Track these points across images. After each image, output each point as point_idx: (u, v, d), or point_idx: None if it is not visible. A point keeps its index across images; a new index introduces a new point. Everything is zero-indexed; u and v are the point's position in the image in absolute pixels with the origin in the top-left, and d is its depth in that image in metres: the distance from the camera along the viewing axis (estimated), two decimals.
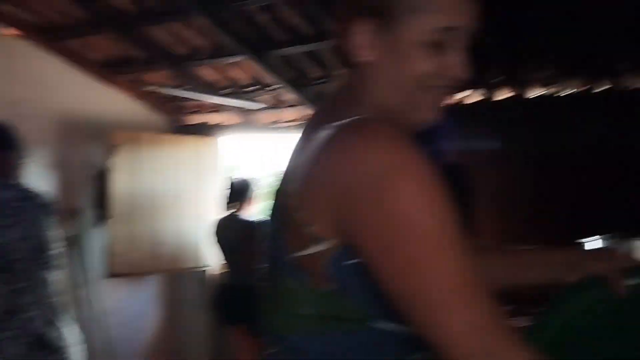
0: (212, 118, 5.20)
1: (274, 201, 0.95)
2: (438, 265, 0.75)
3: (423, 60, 0.87)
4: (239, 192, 3.97)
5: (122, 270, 4.38)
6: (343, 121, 0.83)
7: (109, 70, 4.51)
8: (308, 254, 0.83)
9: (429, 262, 0.75)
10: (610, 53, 3.17)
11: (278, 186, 0.94)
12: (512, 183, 3.94)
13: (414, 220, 0.75)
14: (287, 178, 0.90)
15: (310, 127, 0.92)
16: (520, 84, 3.76)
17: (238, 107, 4.71)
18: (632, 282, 1.00)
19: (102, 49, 4.29)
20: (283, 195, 0.89)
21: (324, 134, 0.83)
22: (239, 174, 4.22)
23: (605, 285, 1.01)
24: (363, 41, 0.90)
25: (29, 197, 2.06)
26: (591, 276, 1.03)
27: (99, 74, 4.54)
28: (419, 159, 0.78)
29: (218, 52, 3.97)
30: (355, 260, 0.81)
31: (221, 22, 3.44)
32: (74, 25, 3.97)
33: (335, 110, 0.90)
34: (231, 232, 3.85)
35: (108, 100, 4.65)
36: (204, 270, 4.89)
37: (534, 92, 3.99)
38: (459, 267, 0.76)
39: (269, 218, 0.96)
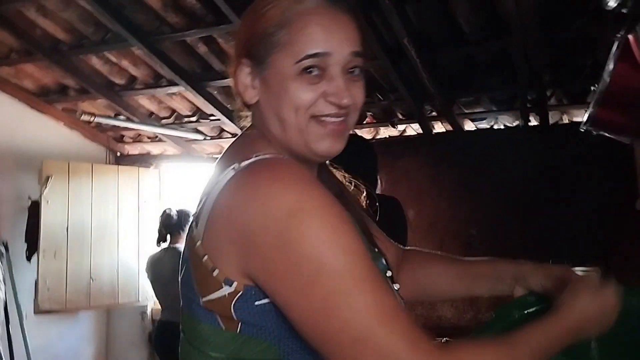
0: (151, 148, 5.11)
1: (186, 242, 0.93)
2: (352, 302, 0.75)
3: (302, 92, 0.88)
4: (172, 224, 3.85)
5: (53, 306, 4.20)
6: (243, 162, 0.84)
7: (43, 98, 4.38)
8: (216, 298, 0.83)
9: (342, 300, 0.75)
10: (541, 89, 3.29)
11: (189, 227, 0.92)
12: (449, 213, 4.02)
13: (321, 260, 0.75)
14: (195, 220, 0.89)
15: (218, 167, 0.92)
16: (456, 118, 3.85)
17: (179, 137, 4.65)
18: None
19: (35, 77, 4.17)
20: (190, 238, 0.88)
21: (226, 175, 0.84)
22: (174, 205, 4.09)
23: (547, 301, 1.02)
24: (246, 83, 0.93)
25: None
26: (536, 292, 1.05)
27: (32, 103, 4.40)
28: (320, 198, 0.79)
29: (157, 81, 3.92)
30: (266, 301, 0.81)
31: (159, 52, 3.41)
32: (7, 53, 3.85)
33: (240, 149, 0.91)
34: (164, 266, 3.72)
35: (41, 129, 4.51)
36: (142, 306, 4.74)
37: (469, 126, 4.12)
38: (374, 300, 0.75)
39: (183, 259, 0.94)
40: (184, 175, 5.44)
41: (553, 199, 3.74)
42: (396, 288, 1.00)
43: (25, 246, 4.24)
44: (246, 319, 0.82)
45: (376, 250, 1.03)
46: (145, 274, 3.89)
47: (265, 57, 0.90)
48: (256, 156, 0.85)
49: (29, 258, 4.23)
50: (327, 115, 0.89)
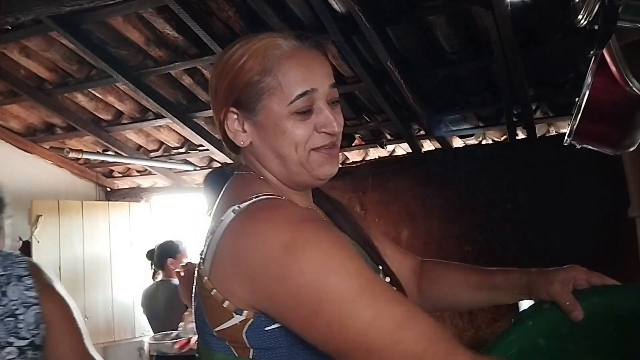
0: (141, 181, 5.10)
1: (196, 278, 0.98)
2: (355, 321, 0.78)
3: (297, 129, 0.95)
4: (164, 256, 3.78)
5: None
6: (243, 204, 0.90)
7: (30, 138, 4.38)
8: (228, 327, 0.87)
9: (345, 322, 0.78)
10: (526, 104, 3.32)
11: (198, 263, 0.97)
12: (442, 231, 4.02)
13: (318, 288, 0.79)
14: (202, 257, 0.94)
15: (218, 208, 0.97)
16: (444, 136, 3.87)
17: (168, 169, 4.64)
18: (585, 304, 1.02)
19: (21, 117, 4.17)
20: (198, 274, 0.93)
21: (227, 216, 0.90)
22: (164, 237, 4.03)
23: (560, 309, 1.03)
24: (236, 129, 0.99)
25: None
26: (548, 300, 1.05)
27: (19, 143, 4.39)
28: (311, 229, 0.84)
29: (143, 115, 3.93)
30: (275, 326, 0.86)
31: (144, 86, 3.42)
32: None
33: (238, 191, 0.96)
34: (158, 299, 3.67)
35: (29, 169, 4.49)
36: (139, 341, 4.68)
37: (457, 143, 4.14)
38: (375, 314, 0.78)
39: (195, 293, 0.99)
40: (175, 207, 5.42)
41: (545, 211, 3.75)
42: None
43: None
44: (258, 345, 0.87)
45: (380, 267, 1.07)
46: (141, 309, 3.84)
47: (254, 103, 0.95)
48: (255, 197, 0.91)
49: None
50: (323, 146, 0.97)
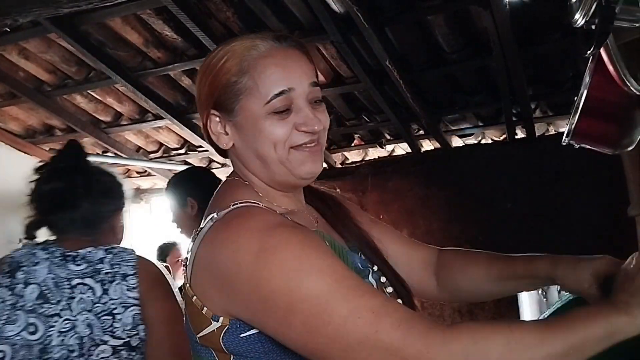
0: (141, 183, 5.10)
1: (182, 285, 1.00)
2: (330, 319, 0.78)
3: (275, 128, 0.95)
4: (163, 256, 3.78)
5: None
6: (221, 212, 0.91)
7: (29, 140, 4.37)
8: (208, 333, 0.89)
9: (320, 320, 0.79)
10: (525, 103, 3.32)
11: (183, 269, 0.98)
12: (442, 231, 4.01)
13: (291, 290, 0.80)
14: (185, 264, 0.96)
15: (207, 211, 0.98)
16: (443, 136, 3.87)
17: (168, 170, 4.64)
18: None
19: (20, 119, 4.17)
20: (184, 282, 0.96)
21: (207, 224, 0.92)
22: (164, 237, 4.03)
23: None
24: (219, 131, 0.99)
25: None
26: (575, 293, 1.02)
27: (19, 145, 4.38)
28: (281, 234, 0.84)
29: (142, 116, 3.93)
30: (250, 332, 0.87)
31: (143, 87, 3.42)
32: None
33: (222, 198, 0.98)
34: None
35: (29, 171, 4.47)
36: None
37: (457, 142, 4.14)
38: (349, 309, 0.78)
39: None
40: None
41: (545, 210, 3.75)
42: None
43: None
44: (236, 351, 0.88)
45: (375, 268, 1.05)
46: None
47: (233, 104, 0.96)
48: (233, 205, 0.91)
49: None
50: (302, 144, 0.97)
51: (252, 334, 0.87)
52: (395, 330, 0.77)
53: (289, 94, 0.94)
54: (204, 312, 0.88)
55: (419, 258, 1.18)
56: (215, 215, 0.91)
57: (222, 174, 4.72)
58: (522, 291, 1.17)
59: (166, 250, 3.77)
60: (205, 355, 0.92)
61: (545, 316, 1.06)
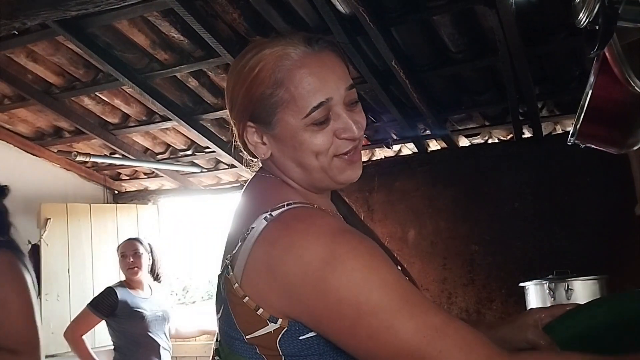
0: (148, 184, 5.12)
1: (217, 284, 0.97)
2: (396, 333, 0.79)
3: (316, 139, 0.94)
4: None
5: (58, 349, 4.15)
6: (275, 211, 0.89)
7: (38, 142, 4.41)
8: (262, 334, 0.87)
9: (387, 334, 0.79)
10: (532, 102, 3.31)
11: (220, 270, 0.95)
12: (449, 231, 4.01)
13: (359, 301, 0.80)
14: (229, 263, 0.92)
15: (245, 210, 0.96)
16: (450, 135, 3.87)
17: (175, 171, 4.66)
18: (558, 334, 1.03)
19: (29, 121, 4.20)
20: (226, 279, 0.92)
21: (259, 223, 0.89)
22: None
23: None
24: (256, 141, 0.98)
25: None
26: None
27: (27, 147, 4.42)
28: (350, 241, 0.84)
29: (150, 118, 3.95)
30: (309, 335, 0.86)
31: (150, 89, 3.43)
32: (0, 99, 3.89)
33: (266, 195, 0.96)
34: None
35: (37, 173, 4.52)
36: None
37: (463, 142, 4.13)
38: (416, 325, 0.80)
39: (214, 299, 0.99)
40: (183, 209, 5.45)
41: (552, 209, 3.74)
42: None
43: None
44: (290, 353, 0.87)
45: (399, 268, 1.06)
46: None
47: (269, 117, 0.95)
48: (287, 205, 0.90)
49: None
50: (346, 152, 0.97)
51: (311, 337, 0.86)
52: (457, 352, 0.79)
53: (327, 104, 0.93)
54: (259, 313, 0.86)
55: None
56: (268, 215, 0.89)
57: (229, 175, 4.75)
58: None
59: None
60: (248, 355, 0.90)
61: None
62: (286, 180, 0.99)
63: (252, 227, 0.89)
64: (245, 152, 1.04)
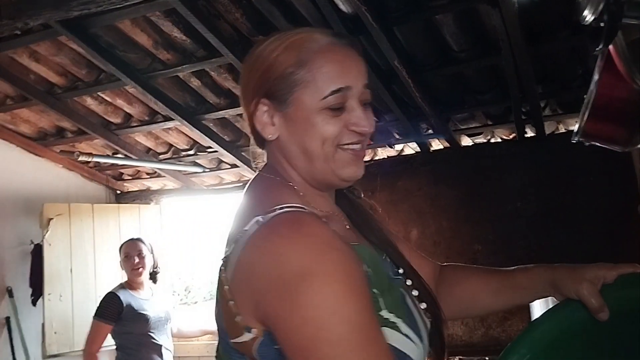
0: (151, 184, 5.13)
1: (217, 283, 0.95)
2: None
3: (327, 125, 0.94)
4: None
5: (61, 349, 4.16)
6: (268, 215, 0.87)
7: (40, 142, 4.42)
8: (241, 342, 0.86)
9: None
10: (534, 101, 3.31)
11: (219, 268, 0.94)
12: (452, 230, 4.01)
13: (322, 327, 0.77)
14: (224, 263, 0.92)
15: (243, 212, 0.95)
16: (452, 135, 3.87)
17: (177, 171, 4.66)
18: (611, 301, 0.97)
19: (31, 121, 4.20)
20: (220, 279, 0.91)
21: (252, 226, 0.87)
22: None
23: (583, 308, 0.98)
24: (265, 121, 0.97)
25: None
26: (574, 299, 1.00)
27: (30, 147, 4.43)
28: (333, 262, 0.80)
29: (152, 118, 3.95)
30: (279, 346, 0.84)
31: (153, 89, 3.44)
32: (2, 99, 3.89)
33: (264, 197, 0.95)
34: None
35: (40, 173, 4.53)
36: None
37: (466, 141, 4.13)
38: None
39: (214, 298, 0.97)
40: (185, 209, 5.46)
41: (555, 208, 3.74)
42: (423, 307, 1.01)
43: (30, 291, 4.22)
44: None
45: (400, 271, 1.04)
46: None
47: (287, 95, 0.94)
48: (280, 208, 0.87)
49: (34, 302, 4.21)
50: (350, 144, 0.96)
51: (279, 348, 0.84)
52: None
53: (345, 92, 0.93)
54: (237, 320, 0.86)
55: (426, 272, 1.16)
56: (260, 218, 0.87)
57: (231, 175, 4.75)
58: (520, 303, 1.13)
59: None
60: (237, 358, 0.90)
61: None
62: (287, 171, 0.99)
63: (245, 230, 0.88)
64: (252, 136, 1.03)
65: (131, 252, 3.55)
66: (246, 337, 0.85)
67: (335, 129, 0.94)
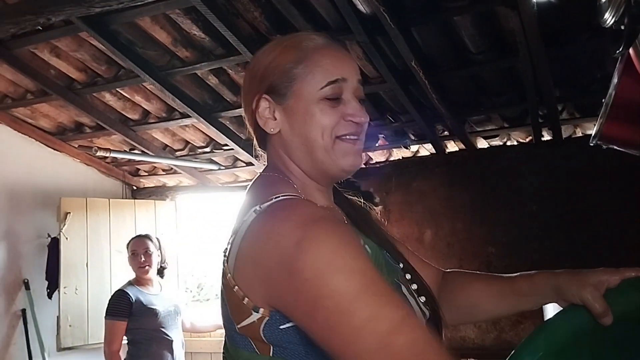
0: (167, 180, 5.17)
1: (221, 275, 0.98)
2: (351, 319, 0.77)
3: (325, 115, 0.99)
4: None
5: (75, 342, 4.21)
6: (264, 204, 0.92)
7: (59, 137, 4.46)
8: (248, 324, 0.89)
9: (341, 319, 0.78)
10: (552, 105, 3.29)
11: (223, 260, 0.98)
12: (466, 232, 3.99)
13: (321, 283, 0.79)
14: (225, 255, 0.95)
15: (242, 207, 0.98)
16: (468, 137, 3.85)
17: (193, 168, 4.70)
18: (616, 305, 0.97)
19: (51, 116, 4.25)
20: (222, 271, 0.95)
21: (250, 216, 0.92)
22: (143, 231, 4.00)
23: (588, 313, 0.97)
24: (267, 116, 1.03)
25: None
26: (575, 304, 0.99)
27: (49, 141, 4.48)
28: (324, 226, 0.84)
29: (170, 115, 3.98)
30: (289, 325, 0.87)
31: (171, 86, 3.46)
32: (23, 94, 3.94)
33: (261, 191, 0.99)
34: None
35: (58, 167, 4.58)
36: None
37: (482, 144, 4.11)
38: (371, 314, 0.78)
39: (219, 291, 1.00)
40: (200, 206, 5.49)
41: (571, 212, 3.71)
42: (422, 300, 1.03)
43: (46, 283, 4.27)
44: (276, 342, 0.88)
45: (401, 265, 1.06)
46: None
47: (287, 89, 1.00)
48: (275, 198, 0.92)
49: (50, 295, 4.26)
50: (347, 134, 1.01)
51: (291, 326, 0.86)
52: (406, 351, 0.76)
53: (341, 83, 0.99)
54: (245, 302, 0.88)
55: (427, 277, 1.16)
56: (257, 207, 0.92)
57: (246, 173, 4.78)
58: (524, 310, 1.12)
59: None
60: (243, 345, 0.92)
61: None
62: (288, 165, 1.03)
63: (244, 220, 0.92)
64: (254, 134, 1.08)
65: (138, 249, 3.58)
66: (254, 317, 0.88)
67: (333, 118, 0.99)
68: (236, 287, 0.90)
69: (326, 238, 0.82)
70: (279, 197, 0.93)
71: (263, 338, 0.88)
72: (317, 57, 1.00)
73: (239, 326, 0.91)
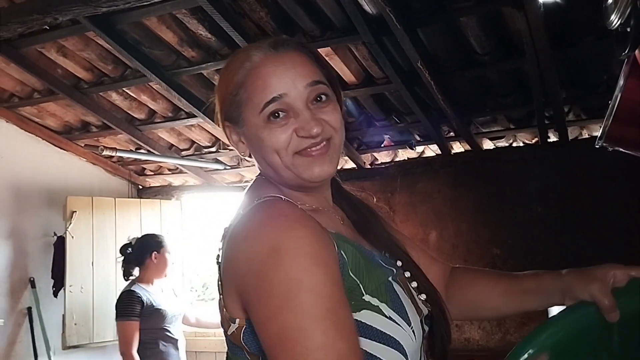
0: (172, 180, 5.18)
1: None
2: (303, 339, 0.77)
3: (274, 136, 0.95)
4: (147, 251, 3.58)
5: (80, 341, 4.23)
6: (246, 208, 0.92)
7: (65, 136, 4.48)
8: (232, 332, 0.90)
9: (294, 335, 0.77)
10: (558, 106, 3.28)
11: (217, 266, 0.98)
12: (471, 234, 3.99)
13: (285, 296, 0.79)
14: (218, 261, 0.96)
15: (237, 207, 0.99)
16: (474, 138, 3.85)
17: (199, 168, 4.71)
18: (624, 304, 0.96)
19: (57, 115, 4.27)
20: (218, 277, 0.96)
21: (233, 221, 0.93)
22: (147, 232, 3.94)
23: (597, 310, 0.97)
24: (235, 140, 1.03)
25: None
26: (582, 301, 0.99)
27: (55, 140, 4.50)
28: (300, 238, 0.82)
29: (176, 114, 3.99)
30: None
31: (177, 86, 3.47)
32: (30, 93, 3.96)
33: (250, 194, 0.99)
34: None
35: (64, 166, 4.60)
36: None
37: (487, 145, 4.11)
38: (324, 342, 0.77)
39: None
40: (206, 205, 5.49)
41: (576, 214, 3.70)
42: (422, 298, 1.02)
43: (51, 282, 4.29)
44: (256, 351, 0.88)
45: (399, 264, 1.05)
46: None
47: (237, 116, 0.99)
48: (257, 200, 0.92)
49: (55, 293, 4.28)
50: (306, 148, 0.96)
51: None
52: None
53: (281, 99, 0.94)
54: (224, 313, 0.90)
55: (434, 273, 1.17)
56: (241, 211, 0.93)
57: (252, 173, 4.78)
58: (529, 309, 1.11)
59: (155, 243, 3.61)
60: (237, 353, 0.93)
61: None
62: (275, 177, 1.01)
63: (231, 224, 0.92)
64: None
65: (171, 251, 3.63)
66: (233, 327, 0.89)
67: (284, 137, 0.94)
68: (221, 295, 0.92)
69: (300, 253, 0.81)
70: (261, 199, 0.92)
71: (246, 347, 0.89)
72: (252, 79, 0.96)
73: (228, 334, 0.92)
